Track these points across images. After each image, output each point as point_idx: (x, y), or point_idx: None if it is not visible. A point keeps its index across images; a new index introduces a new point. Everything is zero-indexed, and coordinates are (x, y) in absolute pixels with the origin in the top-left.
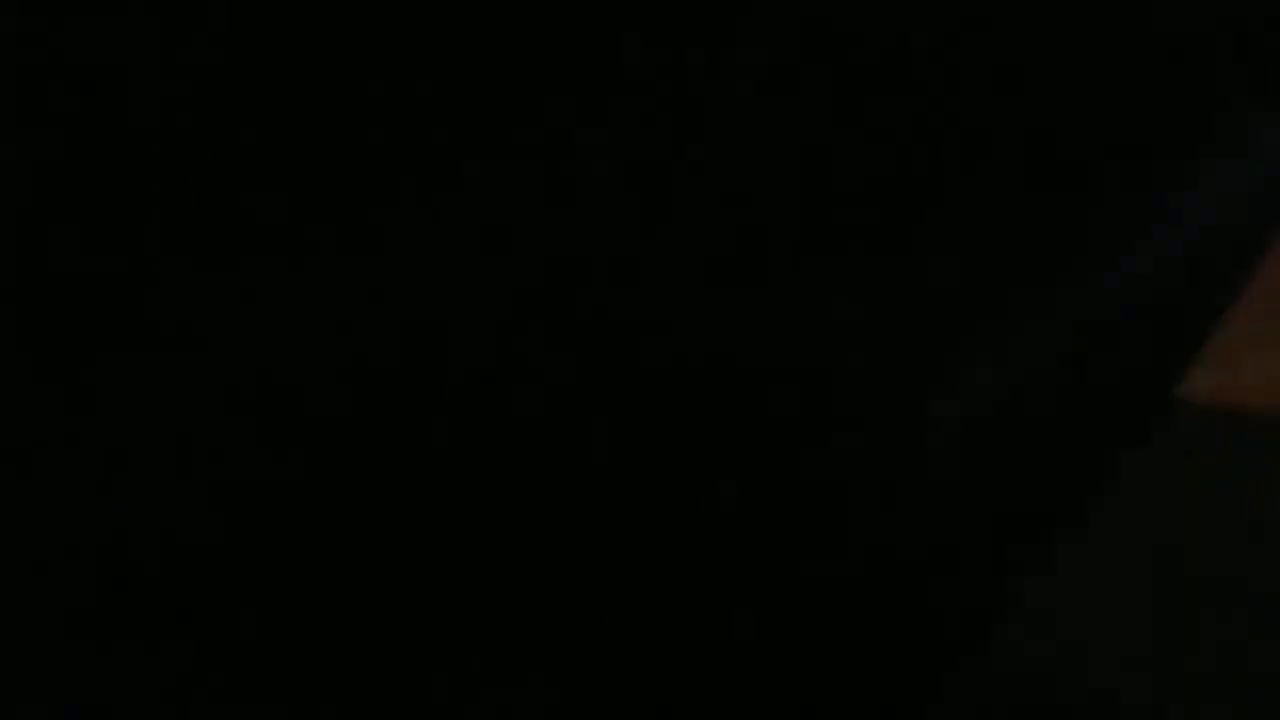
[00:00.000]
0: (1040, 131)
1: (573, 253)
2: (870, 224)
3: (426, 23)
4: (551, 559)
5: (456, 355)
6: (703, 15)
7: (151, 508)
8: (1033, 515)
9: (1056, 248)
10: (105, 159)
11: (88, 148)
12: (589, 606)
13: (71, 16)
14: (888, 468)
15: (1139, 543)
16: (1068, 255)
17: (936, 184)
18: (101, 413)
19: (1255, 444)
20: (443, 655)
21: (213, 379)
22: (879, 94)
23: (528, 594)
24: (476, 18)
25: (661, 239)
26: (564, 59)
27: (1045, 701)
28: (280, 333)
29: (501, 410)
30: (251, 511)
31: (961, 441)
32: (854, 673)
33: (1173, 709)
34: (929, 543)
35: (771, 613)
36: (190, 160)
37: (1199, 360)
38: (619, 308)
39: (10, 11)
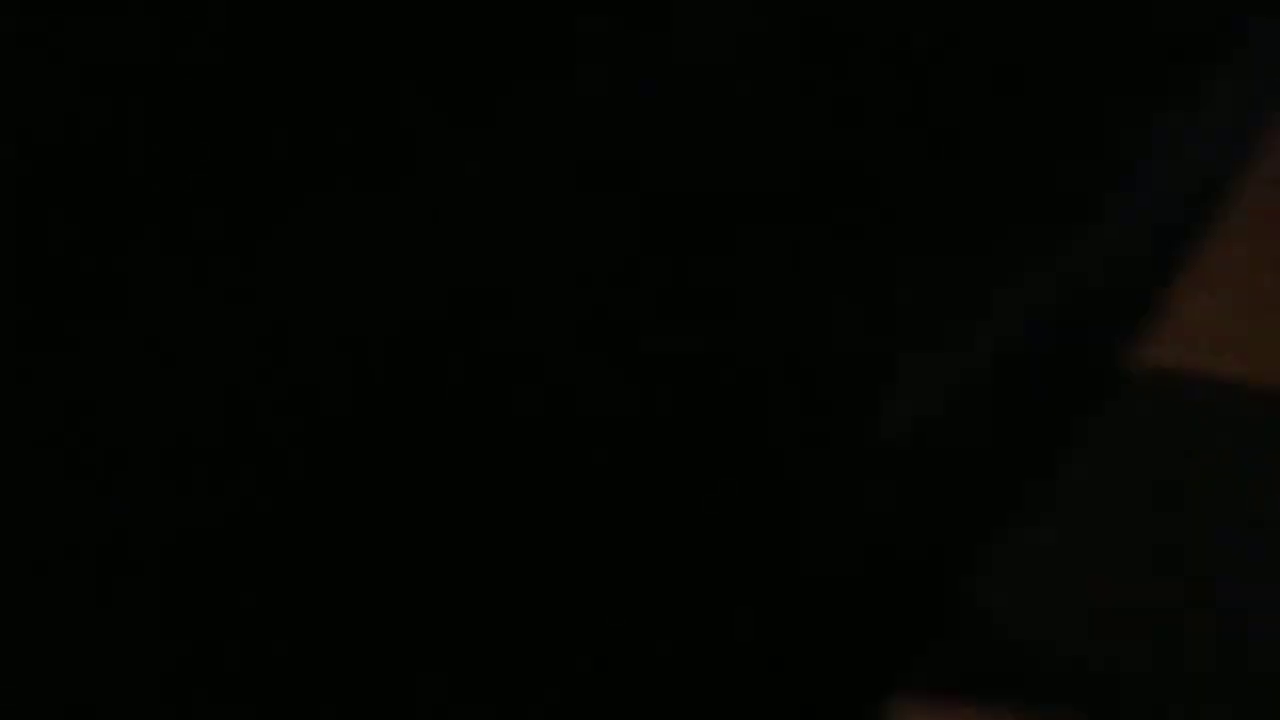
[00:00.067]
0: (979, 133)
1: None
2: (809, 227)
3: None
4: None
5: (396, 366)
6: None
7: (151, 508)
8: (982, 506)
9: (995, 243)
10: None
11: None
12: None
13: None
14: (837, 470)
15: (1098, 510)
16: (1010, 250)
17: (883, 187)
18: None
19: (1206, 410)
20: (427, 656)
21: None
22: (812, 95)
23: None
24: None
25: (602, 245)
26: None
27: (1013, 669)
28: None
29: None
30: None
31: (912, 440)
32: (805, 668)
33: (1139, 675)
34: (879, 541)
35: (719, 615)
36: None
37: (1149, 330)
38: (549, 314)
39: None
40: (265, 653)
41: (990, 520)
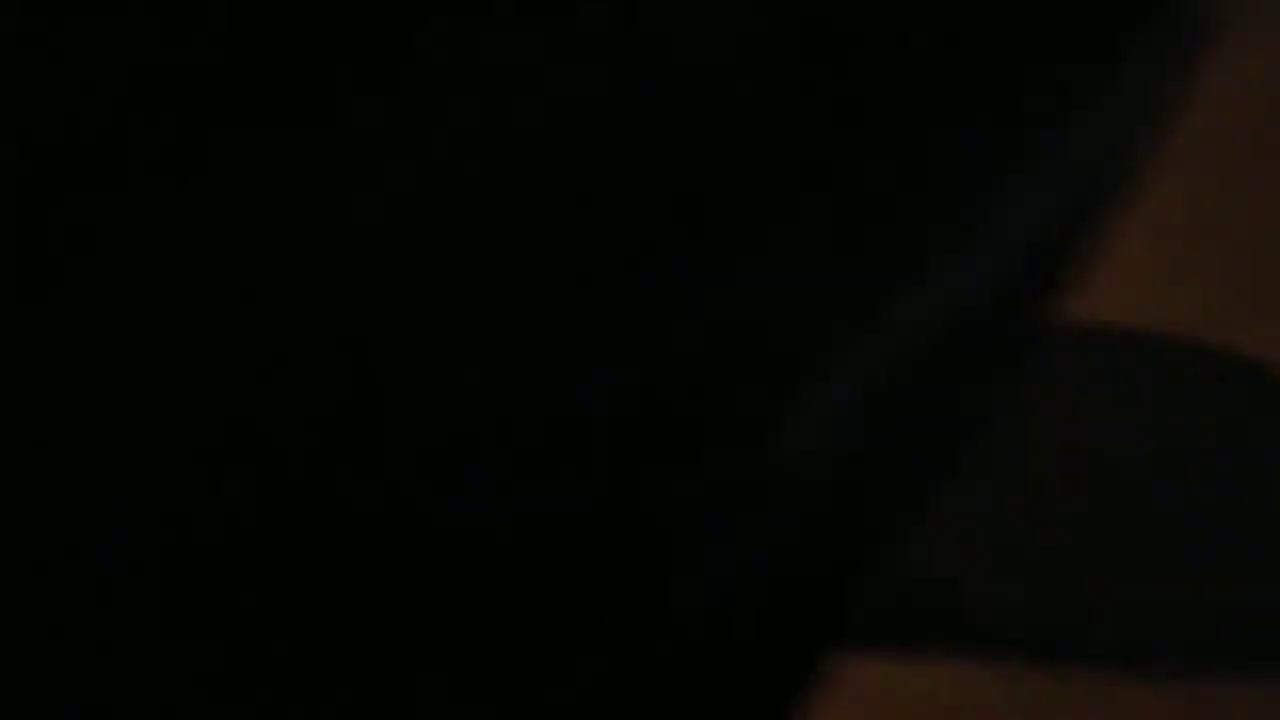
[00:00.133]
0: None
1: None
2: (709, 239)
3: None
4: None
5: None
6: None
7: (151, 507)
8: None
9: (894, 253)
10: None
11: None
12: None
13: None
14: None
15: (1025, 475)
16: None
17: (780, 199)
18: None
19: (1122, 371)
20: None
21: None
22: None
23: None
24: None
25: (488, 259)
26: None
27: (948, 629)
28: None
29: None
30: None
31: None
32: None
33: (1071, 627)
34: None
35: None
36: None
37: (1066, 291)
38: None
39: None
40: (265, 653)
41: (892, 533)
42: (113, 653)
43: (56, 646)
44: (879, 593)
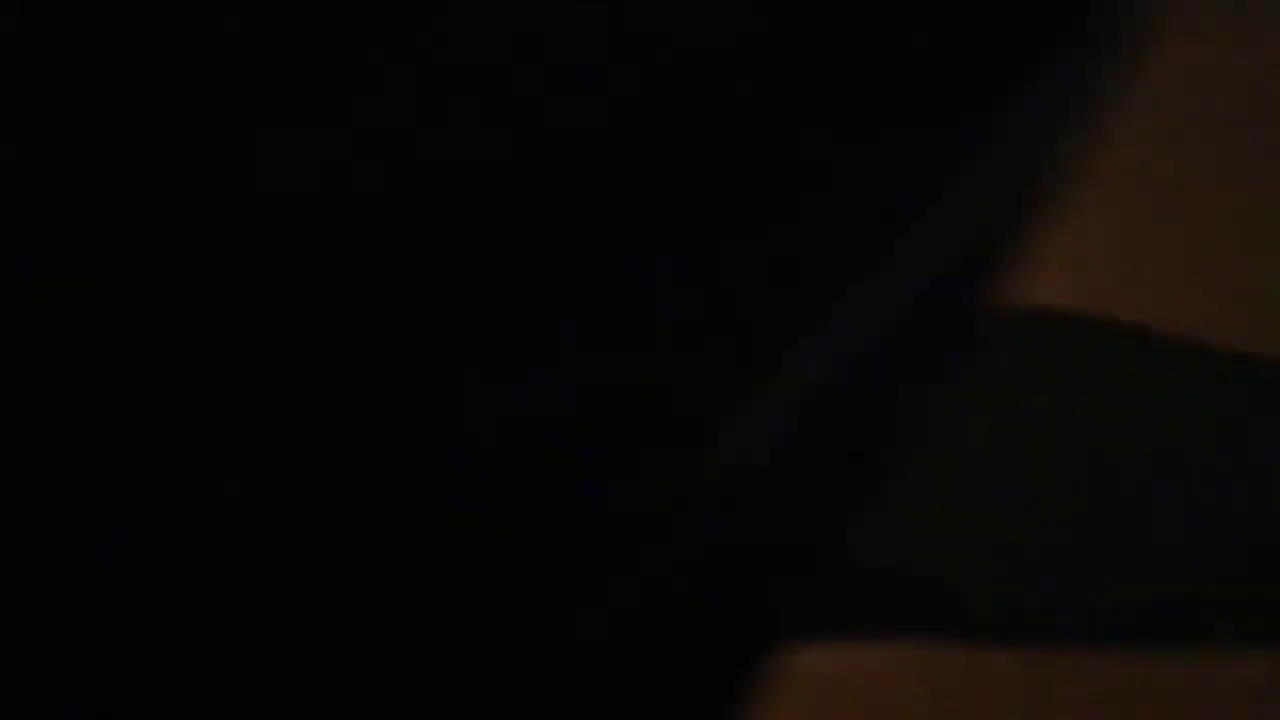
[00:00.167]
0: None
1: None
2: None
3: None
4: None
5: None
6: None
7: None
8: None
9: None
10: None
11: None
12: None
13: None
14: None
15: (969, 455)
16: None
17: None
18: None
19: (1055, 356)
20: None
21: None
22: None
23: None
24: None
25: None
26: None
27: (895, 606)
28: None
29: None
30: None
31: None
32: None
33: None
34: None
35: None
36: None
37: (998, 276)
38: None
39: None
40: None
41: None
42: (113, 653)
43: (56, 646)
44: (830, 582)
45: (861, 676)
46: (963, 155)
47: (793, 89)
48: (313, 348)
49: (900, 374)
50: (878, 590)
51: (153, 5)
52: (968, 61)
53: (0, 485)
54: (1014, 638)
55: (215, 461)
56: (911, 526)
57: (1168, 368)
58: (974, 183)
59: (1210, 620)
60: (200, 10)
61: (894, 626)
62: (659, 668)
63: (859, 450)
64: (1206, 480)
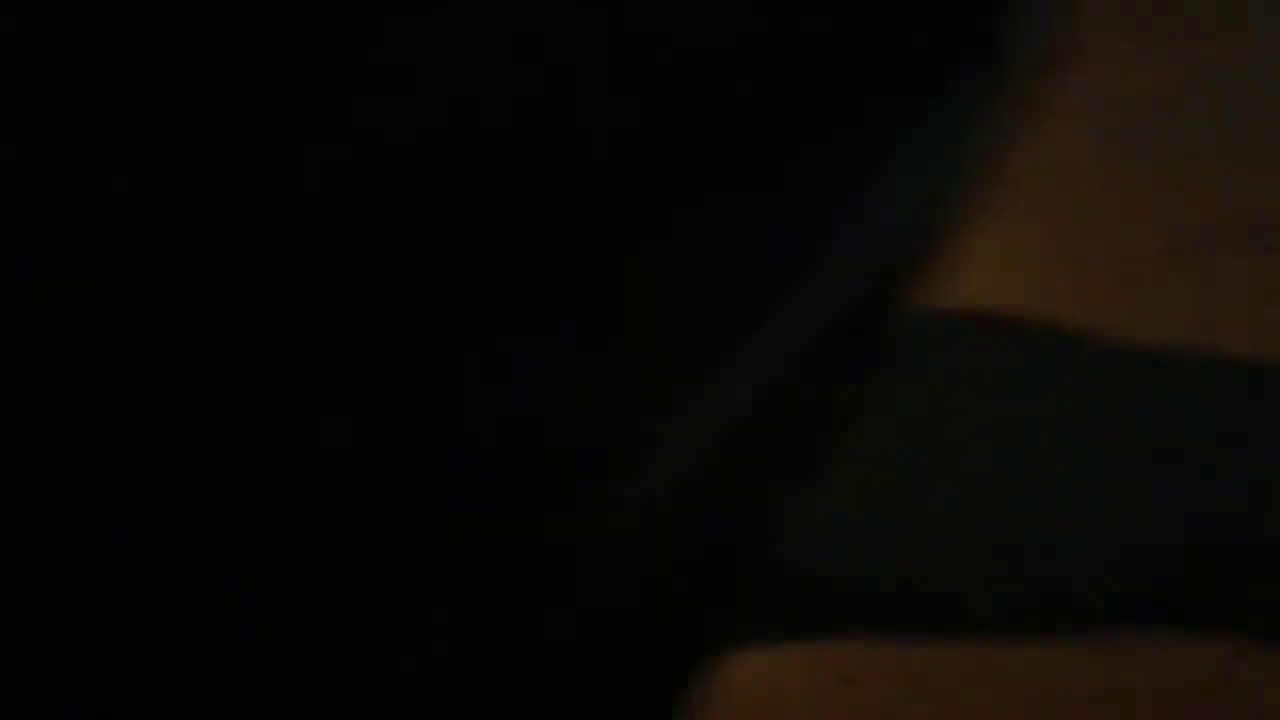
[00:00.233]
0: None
1: None
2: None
3: None
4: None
5: None
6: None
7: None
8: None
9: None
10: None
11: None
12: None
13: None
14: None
15: (889, 461)
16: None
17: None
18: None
19: (976, 357)
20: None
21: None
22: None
23: None
24: None
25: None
26: None
27: (822, 607)
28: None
29: None
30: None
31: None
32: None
33: (935, 595)
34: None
35: None
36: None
37: (917, 279)
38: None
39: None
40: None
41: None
42: (113, 653)
43: (56, 646)
44: (760, 591)
45: (793, 685)
46: (887, 156)
47: (771, 90)
48: (313, 348)
49: (827, 377)
50: (810, 596)
51: (153, 5)
52: (886, 63)
53: (0, 485)
54: (949, 637)
55: (215, 461)
56: (839, 530)
57: (1087, 365)
58: (898, 184)
59: (1138, 613)
60: (200, 10)
61: (825, 633)
62: (595, 679)
63: (786, 455)
64: (1131, 473)
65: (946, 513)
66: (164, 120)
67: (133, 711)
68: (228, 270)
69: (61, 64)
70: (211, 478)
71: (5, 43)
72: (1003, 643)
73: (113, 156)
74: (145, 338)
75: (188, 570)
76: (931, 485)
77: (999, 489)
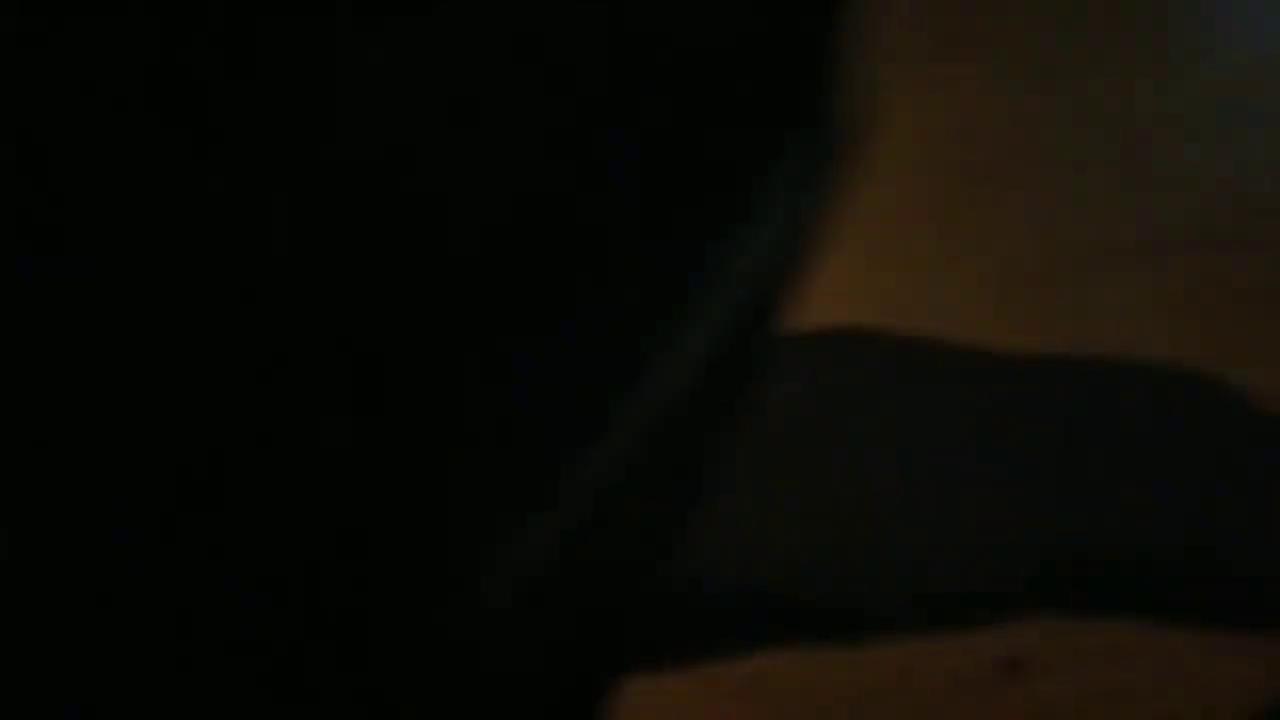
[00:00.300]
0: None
1: None
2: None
3: None
4: None
5: None
6: None
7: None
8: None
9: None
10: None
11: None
12: None
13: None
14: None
15: (769, 475)
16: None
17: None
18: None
19: (876, 366)
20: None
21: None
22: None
23: None
24: None
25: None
26: None
27: (718, 622)
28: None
29: None
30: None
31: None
32: None
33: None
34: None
35: None
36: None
37: (808, 290)
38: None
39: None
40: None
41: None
42: (113, 653)
43: (56, 646)
44: (656, 620)
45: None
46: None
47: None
48: (313, 348)
49: (703, 415)
50: (702, 619)
51: (153, 5)
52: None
53: (0, 485)
54: (837, 644)
55: (215, 461)
56: (727, 559)
57: (951, 390)
58: (749, 243)
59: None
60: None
61: (721, 649)
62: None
63: (670, 490)
64: (996, 486)
65: (813, 523)
66: (164, 120)
67: (133, 711)
68: (227, 270)
69: (61, 64)
70: (211, 478)
71: (5, 43)
72: (883, 644)
73: (113, 156)
74: (145, 337)
75: (189, 570)
76: (795, 499)
77: (859, 500)
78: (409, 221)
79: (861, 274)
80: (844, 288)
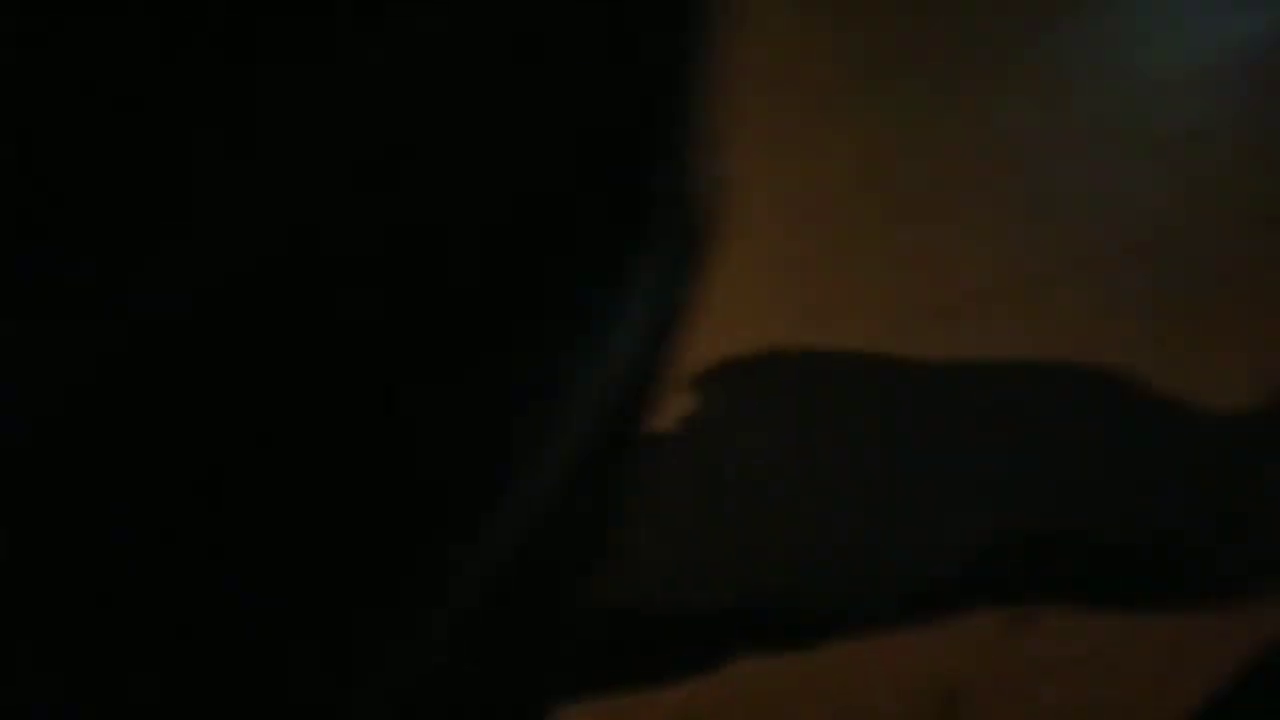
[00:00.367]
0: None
1: None
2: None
3: None
4: None
5: None
6: None
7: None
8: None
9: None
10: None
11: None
12: None
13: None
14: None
15: (668, 502)
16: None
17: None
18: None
19: (757, 403)
20: None
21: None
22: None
23: None
24: None
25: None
26: None
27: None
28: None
29: None
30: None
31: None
32: None
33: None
34: None
35: None
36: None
37: (694, 330)
38: None
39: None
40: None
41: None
42: (112, 653)
43: (57, 646)
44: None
45: None
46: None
47: None
48: (313, 349)
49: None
50: (626, 634)
51: (153, 5)
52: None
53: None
54: (772, 653)
55: (215, 462)
56: (637, 591)
57: (844, 412)
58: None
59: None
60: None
61: (655, 668)
62: None
63: (583, 528)
64: (905, 492)
65: (729, 540)
66: (164, 120)
67: (133, 712)
68: (227, 270)
69: (61, 64)
70: (211, 478)
71: (5, 43)
72: (821, 651)
73: (113, 156)
74: (144, 337)
75: (189, 570)
76: (701, 522)
77: (778, 531)
78: (409, 224)
79: (763, 318)
80: (743, 334)
